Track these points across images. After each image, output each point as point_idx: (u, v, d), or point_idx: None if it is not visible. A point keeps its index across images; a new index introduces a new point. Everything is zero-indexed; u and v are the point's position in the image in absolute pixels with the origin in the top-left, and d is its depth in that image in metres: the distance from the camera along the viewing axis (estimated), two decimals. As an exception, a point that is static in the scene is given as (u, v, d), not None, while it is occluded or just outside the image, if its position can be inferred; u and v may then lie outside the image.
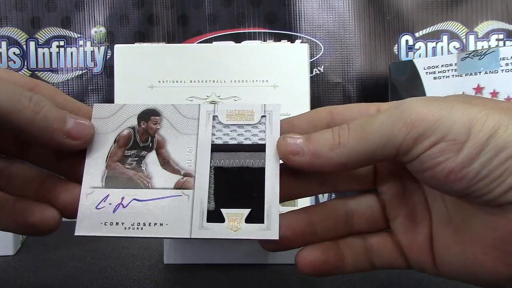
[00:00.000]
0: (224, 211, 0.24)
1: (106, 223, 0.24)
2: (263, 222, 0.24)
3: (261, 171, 0.25)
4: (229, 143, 0.26)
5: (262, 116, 0.26)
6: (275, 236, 0.24)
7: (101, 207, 0.25)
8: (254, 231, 0.24)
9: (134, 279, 0.38)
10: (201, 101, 0.49)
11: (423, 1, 0.70)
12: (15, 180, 0.26)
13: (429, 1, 0.70)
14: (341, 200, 0.28)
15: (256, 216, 0.24)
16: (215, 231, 0.24)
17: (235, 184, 0.25)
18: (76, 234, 0.24)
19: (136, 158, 0.26)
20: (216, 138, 0.26)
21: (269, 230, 0.24)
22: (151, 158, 0.26)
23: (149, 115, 0.27)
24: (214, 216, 0.24)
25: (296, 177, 0.27)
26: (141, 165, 0.26)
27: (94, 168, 0.26)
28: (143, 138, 0.26)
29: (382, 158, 0.23)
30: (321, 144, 0.24)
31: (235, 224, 0.24)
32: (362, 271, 0.27)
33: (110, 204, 0.25)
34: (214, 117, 0.26)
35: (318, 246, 0.27)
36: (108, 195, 0.25)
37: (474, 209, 0.23)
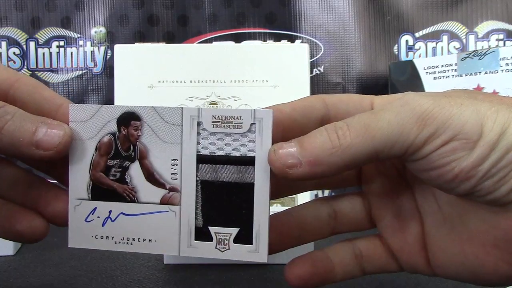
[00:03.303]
0: (212, 229, 0.24)
1: (97, 237, 0.25)
2: (251, 244, 0.23)
3: (250, 187, 0.23)
4: (216, 154, 0.24)
5: (252, 124, 0.23)
6: (264, 259, 0.23)
7: (90, 220, 0.25)
8: (242, 253, 0.23)
9: (134, 279, 0.38)
10: (201, 102, 0.49)
11: (423, 1, 0.70)
12: (0, 182, 0.26)
13: (429, 1, 0.70)
14: (324, 201, 0.27)
15: (244, 236, 0.23)
16: (204, 250, 0.24)
17: (224, 200, 0.24)
18: (69, 246, 0.25)
19: (120, 169, 0.25)
20: (202, 148, 0.24)
21: (258, 252, 0.23)
22: (135, 169, 0.24)
23: (128, 120, 0.24)
24: (202, 234, 0.24)
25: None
26: (125, 176, 0.25)
27: (78, 177, 0.25)
28: (125, 146, 0.24)
29: (386, 158, 0.22)
30: (318, 149, 0.21)
31: (223, 244, 0.24)
32: (354, 278, 0.27)
33: (98, 217, 0.25)
34: (199, 123, 0.24)
35: (307, 257, 0.26)
36: (96, 207, 0.25)
37: (473, 207, 0.23)
